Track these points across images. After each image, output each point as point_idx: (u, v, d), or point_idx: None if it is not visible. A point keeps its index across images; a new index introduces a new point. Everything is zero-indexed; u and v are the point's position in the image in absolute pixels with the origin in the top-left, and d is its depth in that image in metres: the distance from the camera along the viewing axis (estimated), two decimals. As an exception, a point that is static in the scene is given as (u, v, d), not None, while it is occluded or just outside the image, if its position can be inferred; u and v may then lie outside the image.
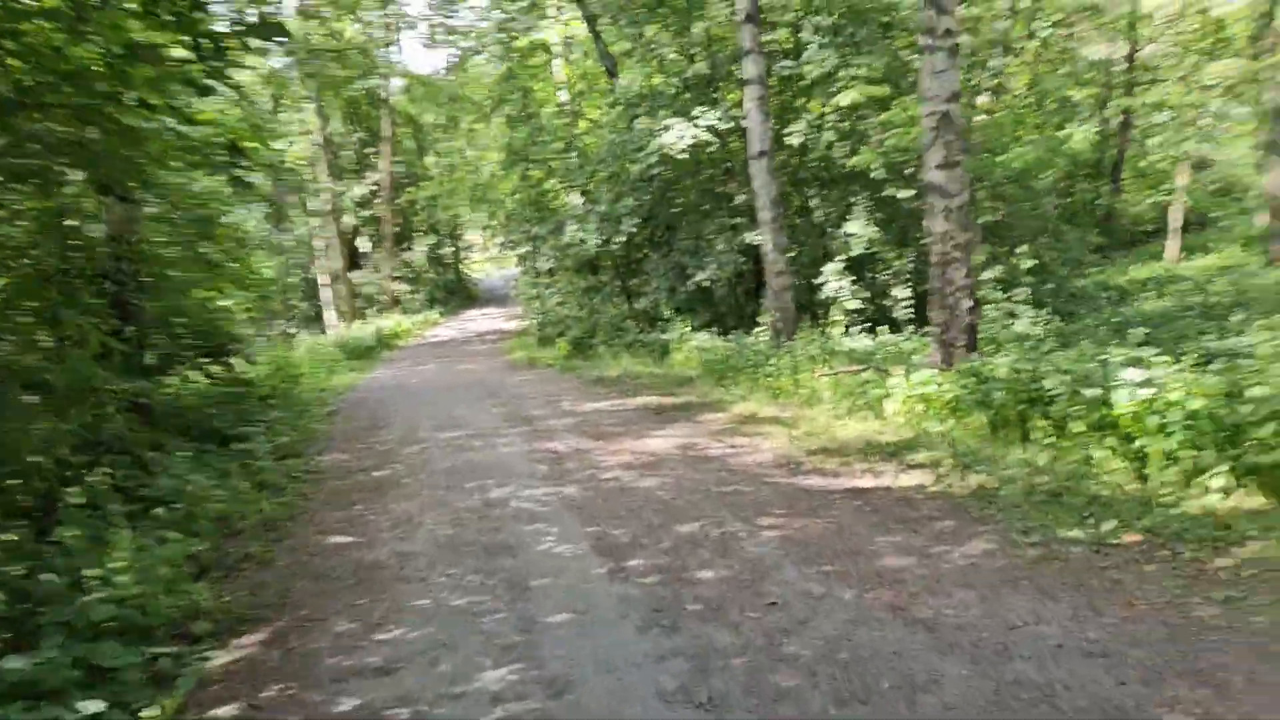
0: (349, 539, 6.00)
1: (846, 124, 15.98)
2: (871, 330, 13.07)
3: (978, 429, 7.36)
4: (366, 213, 33.58)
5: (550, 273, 22.06)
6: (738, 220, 16.04)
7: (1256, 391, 5.43)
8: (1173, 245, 25.76)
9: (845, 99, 13.82)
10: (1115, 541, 4.71)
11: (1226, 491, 5.22)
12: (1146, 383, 5.98)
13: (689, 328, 14.90)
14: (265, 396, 10.91)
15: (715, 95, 16.15)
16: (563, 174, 18.69)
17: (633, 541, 5.41)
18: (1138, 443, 5.86)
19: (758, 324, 13.85)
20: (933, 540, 5.00)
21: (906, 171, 15.62)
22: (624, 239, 16.79)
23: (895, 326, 13.56)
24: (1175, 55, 27.50)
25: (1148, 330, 9.55)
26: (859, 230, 14.73)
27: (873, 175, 14.83)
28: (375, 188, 33.12)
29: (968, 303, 8.75)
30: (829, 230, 15.58)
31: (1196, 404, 5.59)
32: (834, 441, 7.73)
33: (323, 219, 30.34)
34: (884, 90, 14.62)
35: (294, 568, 5.47)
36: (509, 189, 22.13)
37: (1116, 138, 28.11)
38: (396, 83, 33.48)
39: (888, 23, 15.95)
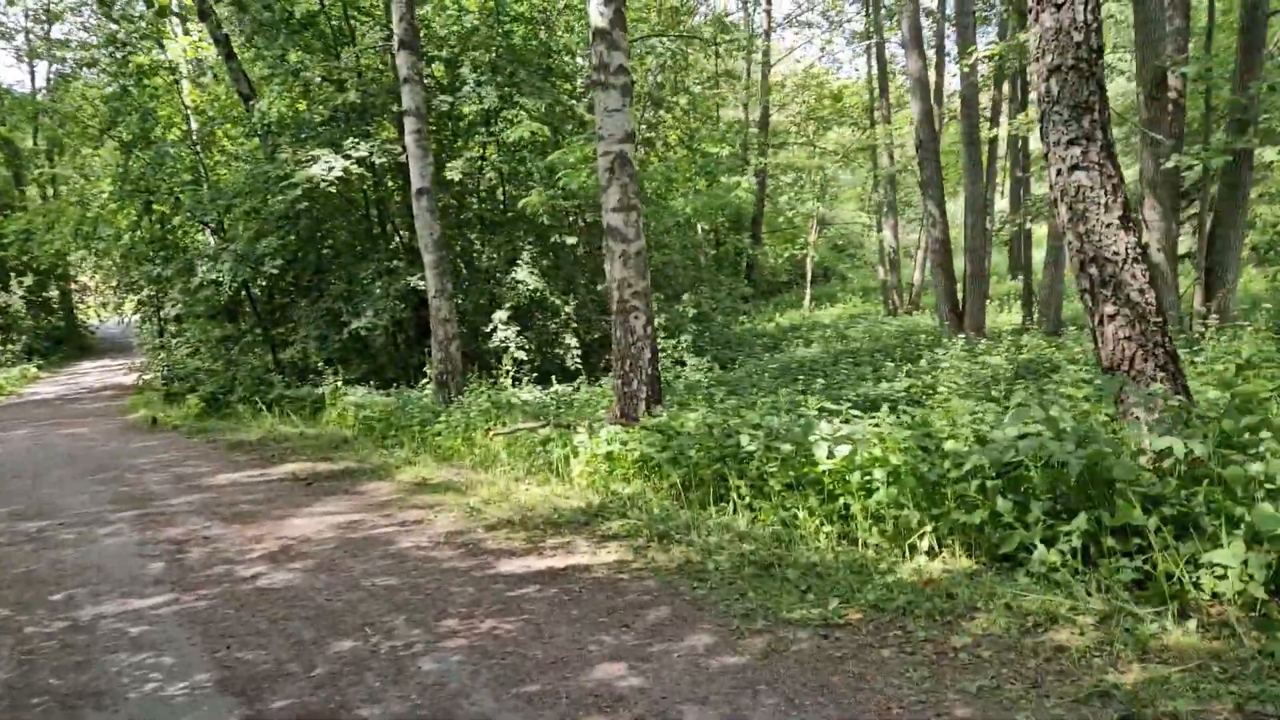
0: None
1: (507, 166, 15.45)
2: (543, 381, 12.50)
3: (670, 490, 6.85)
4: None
5: (179, 319, 19.47)
6: (397, 263, 14.88)
7: (950, 446, 5.32)
8: (808, 295, 28.03)
9: (514, 135, 13.23)
10: (842, 621, 4.25)
11: (932, 553, 5.01)
12: (844, 438, 5.74)
13: (344, 381, 13.46)
14: None
15: (369, 128, 14.93)
16: (192, 208, 16.45)
17: (276, 669, 4.18)
18: (841, 501, 5.58)
19: (423, 375, 12.75)
20: (648, 637, 4.27)
21: (570, 218, 15.37)
22: (266, 282, 14.99)
23: (568, 376, 13.09)
24: (799, 122, 30.28)
25: (820, 379, 9.73)
26: (526, 277, 14.17)
27: (539, 220, 14.38)
28: (-48, 219, 27.83)
29: (649, 353, 8.33)
30: (496, 276, 14.87)
31: (896, 459, 5.38)
32: (517, 510, 6.88)
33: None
34: (546, 133, 14.27)
35: None
36: (125, 223, 19.24)
37: (754, 194, 30.29)
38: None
39: (549, 65, 15.68)
